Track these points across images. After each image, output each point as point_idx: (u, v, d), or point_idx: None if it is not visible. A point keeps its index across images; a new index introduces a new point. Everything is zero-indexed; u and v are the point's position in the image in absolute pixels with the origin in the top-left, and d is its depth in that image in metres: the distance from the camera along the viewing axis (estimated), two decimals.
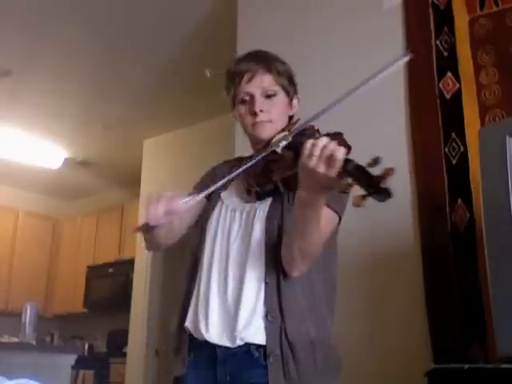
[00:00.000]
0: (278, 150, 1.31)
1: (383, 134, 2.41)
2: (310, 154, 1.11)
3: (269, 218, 1.38)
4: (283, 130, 1.44)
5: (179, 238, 1.52)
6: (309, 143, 1.12)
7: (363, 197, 1.02)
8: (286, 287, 1.33)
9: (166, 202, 1.24)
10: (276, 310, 1.32)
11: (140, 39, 4.08)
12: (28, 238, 6.84)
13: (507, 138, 1.57)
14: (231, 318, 1.33)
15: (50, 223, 7.18)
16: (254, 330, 1.31)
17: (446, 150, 2.26)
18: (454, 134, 2.26)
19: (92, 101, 5.01)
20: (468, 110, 2.25)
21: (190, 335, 1.40)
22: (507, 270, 1.52)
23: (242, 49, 3.01)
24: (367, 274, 2.34)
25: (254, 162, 1.28)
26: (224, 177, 1.33)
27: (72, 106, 5.07)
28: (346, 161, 1.07)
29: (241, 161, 1.51)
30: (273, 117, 1.45)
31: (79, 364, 4.10)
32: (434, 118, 2.32)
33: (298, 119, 1.47)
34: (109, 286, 6.24)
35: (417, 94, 2.41)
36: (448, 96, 2.32)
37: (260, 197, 1.41)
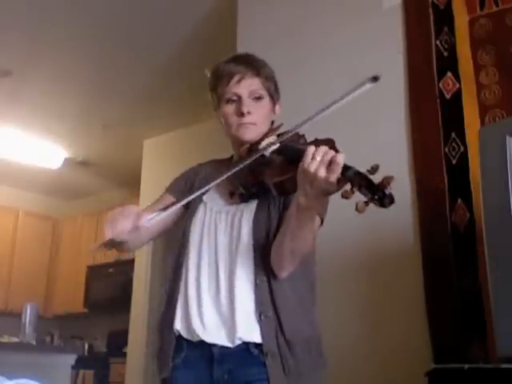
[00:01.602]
0: (267, 153, 1.33)
1: (383, 134, 2.41)
2: (312, 159, 1.14)
3: (256, 220, 1.40)
4: (267, 133, 1.46)
5: (141, 247, 1.56)
6: (310, 148, 1.15)
7: (366, 203, 1.05)
8: (277, 287, 1.36)
9: (132, 218, 1.25)
10: (270, 310, 1.34)
11: (140, 39, 4.07)
12: (28, 238, 6.83)
13: (507, 137, 1.57)
14: (227, 318, 1.35)
15: (50, 223, 7.18)
16: (251, 330, 1.33)
17: (446, 149, 2.26)
18: (453, 134, 2.25)
19: (92, 101, 5.01)
20: (468, 110, 2.25)
21: (179, 337, 1.40)
22: (507, 270, 1.52)
23: (242, 49, 3.01)
24: (367, 274, 2.34)
25: (243, 165, 1.28)
26: (208, 180, 1.35)
27: (72, 105, 5.07)
28: (346, 167, 1.10)
29: (220, 163, 1.55)
30: (258, 119, 1.47)
31: (79, 364, 4.09)
32: (434, 117, 2.32)
33: (281, 124, 1.49)
34: (109, 286, 6.23)
35: (417, 93, 2.41)
36: (448, 96, 2.32)
37: (244, 199, 1.42)
